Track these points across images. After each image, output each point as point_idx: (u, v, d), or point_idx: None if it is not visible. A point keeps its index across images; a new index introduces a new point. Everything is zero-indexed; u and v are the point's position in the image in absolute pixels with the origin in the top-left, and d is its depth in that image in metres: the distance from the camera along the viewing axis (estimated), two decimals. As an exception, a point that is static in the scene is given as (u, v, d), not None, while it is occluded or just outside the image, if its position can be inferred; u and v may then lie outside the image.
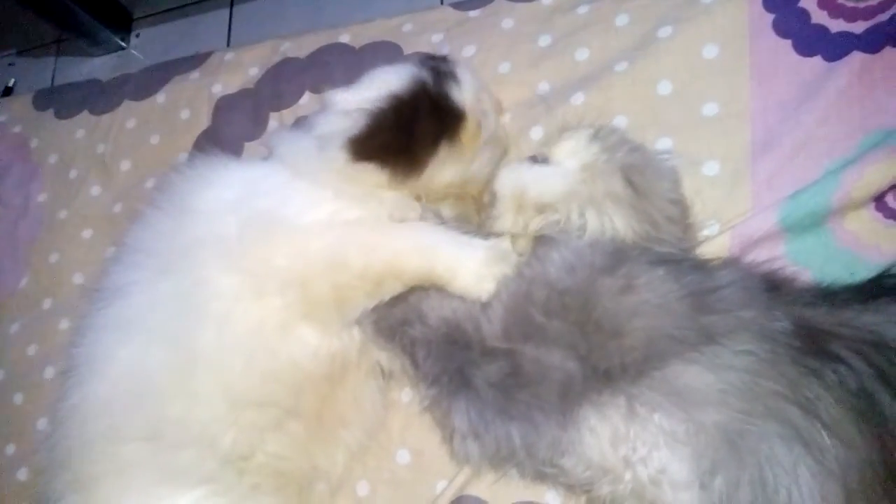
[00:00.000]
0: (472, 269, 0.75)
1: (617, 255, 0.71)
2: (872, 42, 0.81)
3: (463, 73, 0.85)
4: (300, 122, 0.99)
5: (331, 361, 0.81)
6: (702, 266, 0.72)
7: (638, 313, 0.66)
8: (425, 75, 0.83)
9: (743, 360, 0.62)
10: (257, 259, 0.78)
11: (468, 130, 0.83)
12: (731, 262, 0.74)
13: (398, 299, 0.78)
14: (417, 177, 0.80)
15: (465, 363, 0.73)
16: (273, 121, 1.12)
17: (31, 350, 1.13)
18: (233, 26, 1.52)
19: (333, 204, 0.81)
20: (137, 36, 1.61)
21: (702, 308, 0.65)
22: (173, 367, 0.76)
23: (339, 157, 0.79)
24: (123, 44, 1.62)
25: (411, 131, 0.80)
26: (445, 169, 0.81)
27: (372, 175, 0.80)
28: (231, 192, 0.83)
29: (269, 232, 0.79)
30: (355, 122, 0.80)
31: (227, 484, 0.75)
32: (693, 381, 0.63)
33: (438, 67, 0.85)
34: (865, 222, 0.77)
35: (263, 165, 0.87)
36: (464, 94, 0.83)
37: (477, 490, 0.83)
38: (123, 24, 1.61)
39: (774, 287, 0.68)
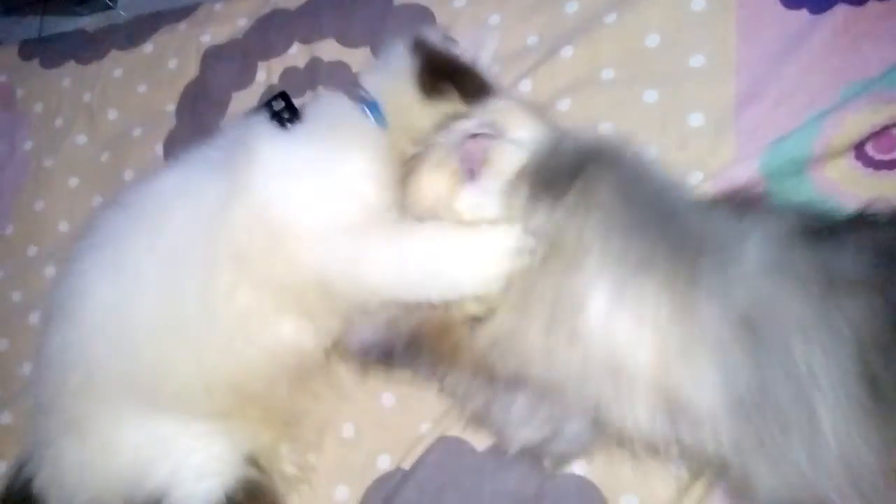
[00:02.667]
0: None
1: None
2: (857, -7, 0.82)
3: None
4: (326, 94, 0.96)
5: (310, 355, 0.81)
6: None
7: None
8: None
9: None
10: (261, 270, 0.75)
11: None
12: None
13: None
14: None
15: None
16: (262, 71, 1.12)
17: (16, 296, 1.13)
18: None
19: (347, 191, 0.77)
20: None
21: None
22: (154, 328, 0.76)
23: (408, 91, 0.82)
24: (110, 3, 1.59)
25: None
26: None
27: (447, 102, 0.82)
28: (260, 174, 0.76)
29: (275, 244, 0.74)
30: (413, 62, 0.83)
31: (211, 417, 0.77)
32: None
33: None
34: (845, 170, 0.78)
35: (284, 141, 0.80)
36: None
37: (459, 430, 0.85)
38: None
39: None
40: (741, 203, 0.71)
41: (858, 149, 0.78)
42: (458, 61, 0.86)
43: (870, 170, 0.78)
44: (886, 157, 0.77)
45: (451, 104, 0.83)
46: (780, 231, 0.64)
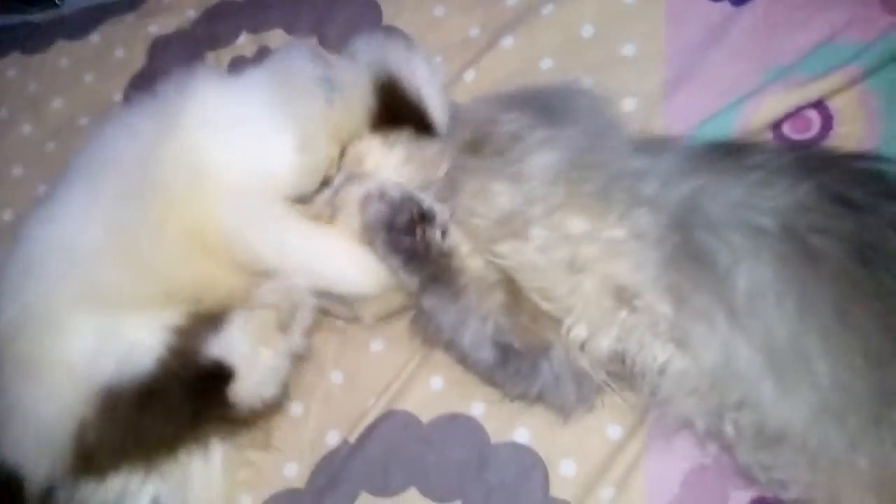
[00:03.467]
0: None
1: None
2: (774, -13, 0.88)
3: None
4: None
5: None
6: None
7: None
8: None
9: None
10: (181, 206, 0.79)
11: None
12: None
13: None
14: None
15: None
16: (210, 60, 1.14)
17: (-43, 285, 1.12)
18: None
19: (278, 161, 0.81)
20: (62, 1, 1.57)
21: None
22: (112, 251, 0.79)
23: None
24: (57, 2, 1.58)
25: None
26: None
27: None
28: (195, 114, 0.81)
29: (195, 187, 0.79)
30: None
31: None
32: None
33: None
34: (767, 142, 0.84)
35: (226, 87, 0.85)
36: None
37: (405, 405, 0.87)
38: None
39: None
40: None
41: (776, 129, 0.84)
42: (412, 105, 0.85)
43: (786, 148, 0.83)
44: (802, 137, 0.83)
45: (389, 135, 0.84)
46: (696, 149, 0.72)
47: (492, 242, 0.74)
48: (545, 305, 0.72)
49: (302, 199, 0.82)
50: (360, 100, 0.84)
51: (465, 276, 0.78)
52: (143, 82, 1.15)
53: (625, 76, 0.92)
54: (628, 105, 0.91)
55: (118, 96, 1.16)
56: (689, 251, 0.66)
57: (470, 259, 0.78)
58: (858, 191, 0.65)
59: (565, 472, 0.79)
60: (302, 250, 0.79)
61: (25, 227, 0.86)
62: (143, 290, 0.79)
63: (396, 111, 0.83)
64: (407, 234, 0.77)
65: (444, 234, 0.78)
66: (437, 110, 0.84)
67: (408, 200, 0.77)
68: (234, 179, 0.79)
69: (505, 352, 0.77)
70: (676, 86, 0.89)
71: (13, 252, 0.84)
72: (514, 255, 0.72)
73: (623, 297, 0.68)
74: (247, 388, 0.79)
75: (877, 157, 0.72)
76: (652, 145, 0.77)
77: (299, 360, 0.89)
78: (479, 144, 0.78)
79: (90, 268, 0.79)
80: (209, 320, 0.80)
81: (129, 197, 0.80)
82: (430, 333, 0.84)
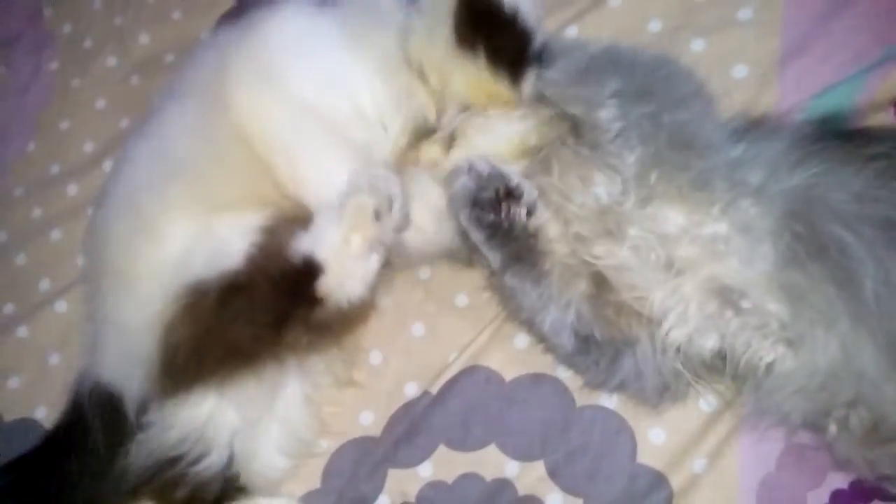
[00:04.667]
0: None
1: None
2: (906, -43, 0.84)
3: None
4: None
5: None
6: None
7: None
8: None
9: None
10: (241, 111, 0.79)
11: None
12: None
13: None
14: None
15: None
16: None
17: (36, 213, 1.12)
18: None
19: (346, 90, 0.81)
20: None
21: None
22: (199, 141, 0.81)
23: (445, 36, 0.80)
24: None
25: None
26: None
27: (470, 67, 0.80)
28: (269, 35, 0.83)
29: (258, 86, 0.80)
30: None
31: None
32: None
33: None
34: (885, 124, 0.80)
35: (309, 16, 0.85)
36: None
37: (488, 361, 0.86)
38: None
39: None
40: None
41: (898, 105, 0.80)
42: (503, 17, 0.80)
43: (909, 126, 0.80)
44: (925, 115, 0.80)
45: (476, 65, 0.80)
46: (804, 130, 0.69)
47: (587, 242, 0.72)
48: (639, 307, 0.70)
49: (421, 134, 0.81)
50: (441, 21, 0.81)
51: (550, 260, 0.76)
52: (231, 22, 1.13)
53: (738, 41, 0.89)
54: (739, 72, 0.88)
55: (205, 35, 1.15)
56: (811, 244, 0.63)
57: (557, 243, 0.76)
58: None
59: (655, 439, 0.78)
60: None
61: (124, 147, 0.90)
62: (233, 192, 0.79)
63: (483, 24, 0.79)
64: (491, 210, 0.75)
65: (530, 213, 0.75)
66: (527, 19, 0.80)
67: (496, 176, 0.75)
68: (301, 99, 0.80)
69: (585, 342, 0.76)
70: (793, 54, 0.86)
71: (113, 169, 0.88)
72: (609, 258, 0.70)
73: (728, 298, 0.66)
74: (335, 282, 0.76)
75: None
76: (752, 129, 0.73)
77: (388, 266, 0.85)
78: (580, 129, 0.75)
79: (184, 174, 0.80)
80: (300, 219, 0.79)
81: (211, 109, 0.81)
82: (510, 310, 0.83)
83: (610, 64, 0.78)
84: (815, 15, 0.87)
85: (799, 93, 0.84)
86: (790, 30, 0.87)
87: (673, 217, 0.67)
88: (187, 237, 0.78)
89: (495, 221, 0.75)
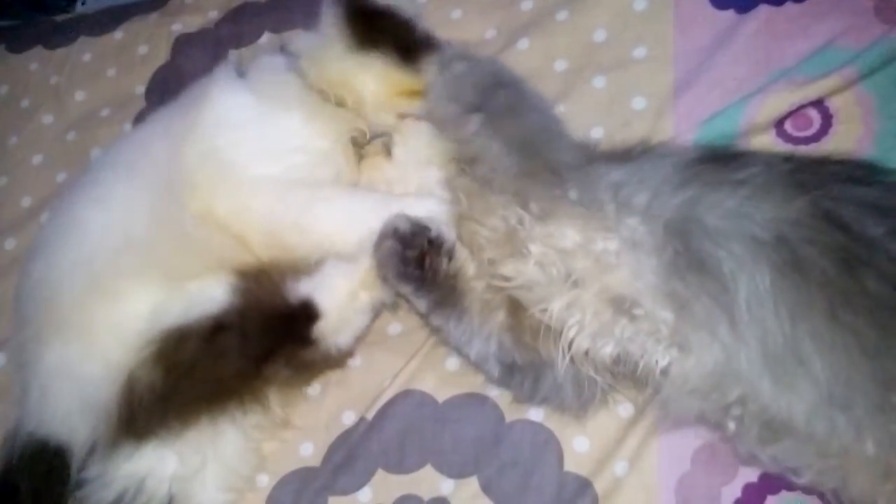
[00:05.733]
0: None
1: None
2: (776, -3, 0.94)
3: None
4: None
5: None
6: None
7: None
8: None
9: None
10: (203, 199, 0.83)
11: None
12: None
13: None
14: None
15: None
16: (233, 58, 1.17)
17: (-25, 269, 1.13)
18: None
19: (288, 134, 0.86)
20: (84, 3, 1.60)
21: None
22: (160, 221, 0.83)
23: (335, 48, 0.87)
24: (69, 10, 1.60)
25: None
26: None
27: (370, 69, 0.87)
28: (211, 115, 0.87)
29: (217, 177, 0.84)
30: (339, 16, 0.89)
31: None
32: None
33: None
34: (768, 145, 0.88)
35: (237, 92, 0.89)
36: None
37: (420, 385, 0.90)
38: None
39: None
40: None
41: (779, 126, 0.88)
42: (389, 12, 0.91)
43: (789, 145, 0.88)
44: (803, 134, 0.88)
45: (382, 57, 0.89)
46: (686, 156, 0.74)
47: (496, 265, 0.77)
48: (547, 321, 0.74)
49: (357, 144, 0.88)
50: (326, 44, 0.90)
51: (470, 297, 0.82)
52: (166, 77, 1.18)
53: (636, 77, 0.97)
54: (639, 104, 0.96)
55: (140, 90, 1.19)
56: (690, 259, 0.69)
57: (474, 281, 0.83)
58: (847, 208, 0.68)
59: (579, 448, 0.82)
60: (371, 216, 0.82)
61: (67, 208, 0.90)
62: (193, 265, 0.83)
63: (373, 31, 0.89)
64: (417, 266, 0.82)
65: (450, 258, 0.83)
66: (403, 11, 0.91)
67: (419, 232, 0.82)
68: (268, 174, 0.84)
69: (509, 367, 0.82)
70: (685, 87, 0.94)
71: (54, 227, 0.89)
72: (518, 276, 0.75)
73: (622, 306, 0.71)
74: (331, 329, 0.82)
75: (866, 167, 0.77)
76: (639, 154, 0.79)
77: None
78: (473, 161, 0.82)
79: (142, 246, 0.82)
80: (279, 269, 0.83)
81: (167, 188, 0.84)
82: (440, 339, 0.89)
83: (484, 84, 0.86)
84: (701, 49, 0.96)
85: (690, 121, 0.92)
86: (680, 64, 0.96)
87: (570, 234, 0.73)
88: (153, 299, 0.81)
89: (421, 276, 0.82)
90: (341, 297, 0.82)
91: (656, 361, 0.70)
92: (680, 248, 0.69)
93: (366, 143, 0.91)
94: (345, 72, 0.90)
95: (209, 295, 0.80)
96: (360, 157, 0.91)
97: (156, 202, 0.84)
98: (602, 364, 0.73)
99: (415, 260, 0.82)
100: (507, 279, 0.76)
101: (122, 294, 0.81)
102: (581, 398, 0.79)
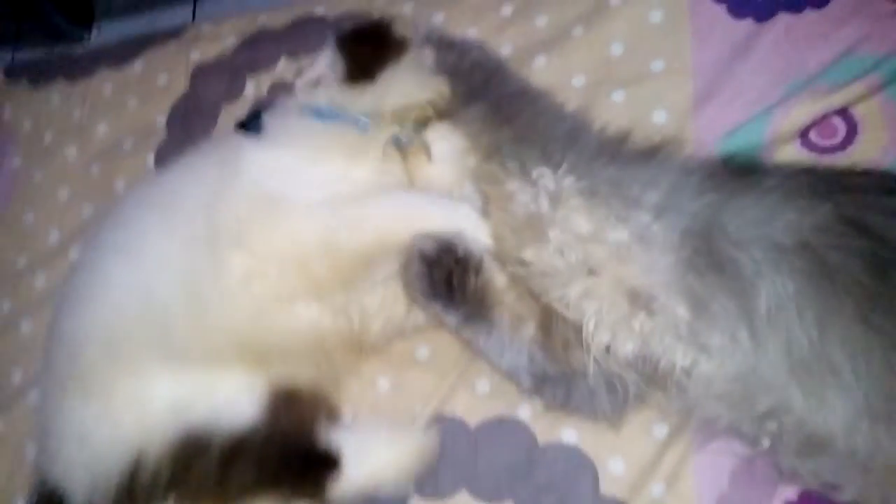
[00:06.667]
0: (468, 227, 0.82)
1: None
2: (795, 4, 0.93)
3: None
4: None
5: (329, 336, 0.86)
6: None
7: None
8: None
9: None
10: (260, 241, 0.82)
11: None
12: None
13: None
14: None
15: None
16: (250, 84, 1.18)
17: (5, 305, 1.15)
18: (196, 21, 1.56)
19: (326, 172, 0.85)
20: (98, 29, 1.61)
21: None
22: (184, 302, 0.81)
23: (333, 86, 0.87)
24: (84, 37, 1.60)
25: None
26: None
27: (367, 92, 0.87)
28: (248, 165, 0.86)
29: (270, 214, 0.83)
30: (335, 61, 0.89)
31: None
32: None
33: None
34: (793, 155, 0.87)
35: (265, 148, 0.88)
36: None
37: (452, 409, 0.90)
38: (85, 17, 1.59)
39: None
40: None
41: (803, 136, 0.87)
42: (372, 32, 0.93)
43: (814, 154, 0.87)
44: (828, 143, 0.87)
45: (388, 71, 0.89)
46: (705, 164, 0.75)
47: (517, 250, 0.77)
48: (567, 312, 0.75)
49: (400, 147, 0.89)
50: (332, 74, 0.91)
51: (499, 310, 0.83)
52: (186, 107, 1.19)
53: (655, 90, 0.96)
54: (659, 118, 0.95)
55: (161, 120, 1.20)
56: (710, 259, 0.69)
57: (504, 293, 0.83)
58: (873, 215, 0.67)
59: (614, 470, 0.82)
60: (380, 214, 0.83)
61: (93, 255, 0.90)
62: (211, 344, 0.81)
63: (365, 52, 0.90)
64: (445, 286, 0.82)
65: (478, 272, 0.83)
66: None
67: (444, 253, 0.82)
68: (306, 197, 0.84)
69: (542, 379, 0.82)
70: (705, 99, 0.93)
71: (81, 274, 0.88)
72: (538, 261, 0.76)
73: (638, 300, 0.71)
74: (346, 486, 0.81)
75: (890, 176, 0.77)
76: (649, 155, 0.80)
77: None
78: (490, 153, 0.83)
79: (163, 317, 0.81)
80: (315, 401, 0.84)
81: (198, 241, 0.83)
82: (473, 351, 0.88)
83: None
84: (720, 61, 0.95)
85: (712, 133, 0.91)
86: (700, 76, 0.95)
87: (581, 222, 0.73)
88: (175, 385, 0.80)
89: (450, 294, 0.82)
90: (371, 468, 0.82)
91: (677, 360, 0.70)
92: (701, 247, 0.69)
93: (408, 147, 0.90)
94: (360, 97, 0.89)
95: (239, 409, 0.79)
96: (406, 158, 0.91)
97: (183, 258, 0.82)
98: (625, 361, 0.73)
99: (442, 280, 0.82)
100: (526, 264, 0.76)
101: (141, 370, 0.80)
102: (615, 404, 0.79)
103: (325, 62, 0.93)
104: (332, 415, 0.84)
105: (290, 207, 0.82)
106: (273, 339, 0.83)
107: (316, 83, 0.93)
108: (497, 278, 0.83)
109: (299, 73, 0.95)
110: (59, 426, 0.83)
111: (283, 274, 0.81)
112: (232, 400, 0.80)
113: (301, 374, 0.85)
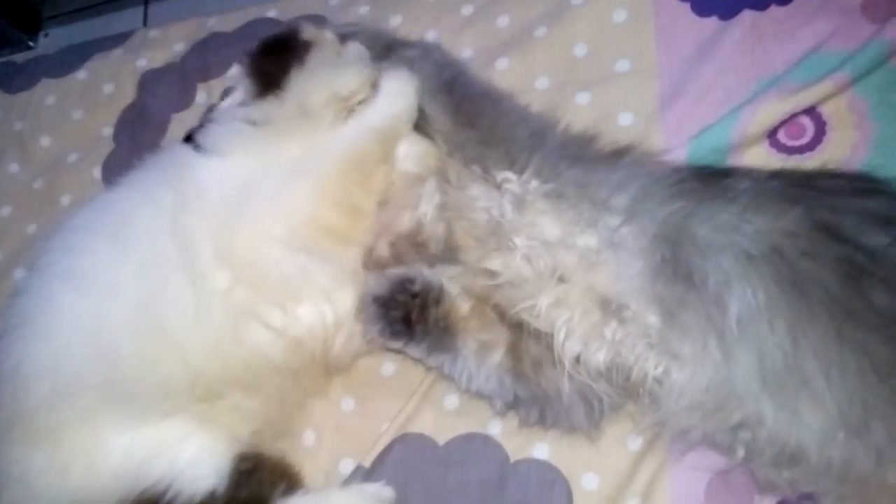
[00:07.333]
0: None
1: None
2: (760, 0, 0.91)
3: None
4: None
5: (297, 349, 0.82)
6: None
7: None
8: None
9: None
10: (240, 246, 0.78)
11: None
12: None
13: None
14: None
15: None
16: (201, 92, 1.13)
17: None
18: (148, 26, 1.50)
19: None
20: (46, 36, 1.53)
21: None
22: (136, 336, 0.76)
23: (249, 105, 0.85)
24: (31, 44, 1.53)
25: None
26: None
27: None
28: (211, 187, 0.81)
29: (243, 214, 0.78)
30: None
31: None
32: None
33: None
34: (761, 156, 0.85)
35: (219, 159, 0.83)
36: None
37: (419, 427, 0.87)
38: (32, 24, 1.52)
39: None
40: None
41: (771, 136, 0.86)
42: (274, 44, 0.91)
43: (783, 155, 0.85)
44: (797, 143, 0.85)
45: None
46: (677, 170, 0.74)
47: (483, 261, 0.75)
48: (537, 322, 0.72)
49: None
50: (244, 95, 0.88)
51: (463, 337, 0.80)
52: (133, 117, 1.14)
53: (620, 91, 0.94)
54: (625, 119, 0.93)
55: (108, 131, 1.15)
56: (678, 268, 0.67)
57: (469, 320, 0.80)
58: (845, 219, 0.66)
59: (588, 485, 0.79)
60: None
61: (39, 280, 0.83)
62: (169, 380, 0.76)
63: (267, 65, 0.88)
64: (403, 322, 0.80)
65: (438, 302, 0.80)
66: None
67: (399, 291, 0.80)
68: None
69: (514, 401, 0.79)
70: (672, 99, 0.91)
71: (25, 301, 0.81)
72: (505, 270, 0.73)
73: (609, 308, 0.69)
74: None
75: (865, 178, 0.75)
76: (604, 155, 0.78)
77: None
78: (452, 152, 0.81)
79: (112, 354, 0.75)
80: (277, 471, 0.80)
81: (159, 266, 0.78)
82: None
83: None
84: (686, 60, 0.93)
85: (680, 134, 0.89)
86: (665, 76, 0.93)
87: (549, 227, 0.71)
88: (134, 438, 0.74)
89: (409, 330, 0.80)
90: None
91: (649, 369, 0.68)
92: (668, 255, 0.67)
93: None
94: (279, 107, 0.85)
95: (201, 472, 0.74)
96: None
97: (141, 291, 0.77)
98: (597, 371, 0.71)
99: (400, 319, 0.80)
100: (493, 275, 0.74)
101: (91, 417, 0.74)
102: (591, 417, 0.77)
103: (237, 85, 0.89)
104: (294, 485, 0.80)
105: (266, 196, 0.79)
106: (238, 364, 0.79)
107: (234, 107, 0.88)
108: (460, 305, 0.81)
109: (221, 99, 0.92)
110: (3, 467, 0.77)
111: (264, 277, 0.78)
112: (195, 462, 0.74)
113: (263, 410, 0.81)
